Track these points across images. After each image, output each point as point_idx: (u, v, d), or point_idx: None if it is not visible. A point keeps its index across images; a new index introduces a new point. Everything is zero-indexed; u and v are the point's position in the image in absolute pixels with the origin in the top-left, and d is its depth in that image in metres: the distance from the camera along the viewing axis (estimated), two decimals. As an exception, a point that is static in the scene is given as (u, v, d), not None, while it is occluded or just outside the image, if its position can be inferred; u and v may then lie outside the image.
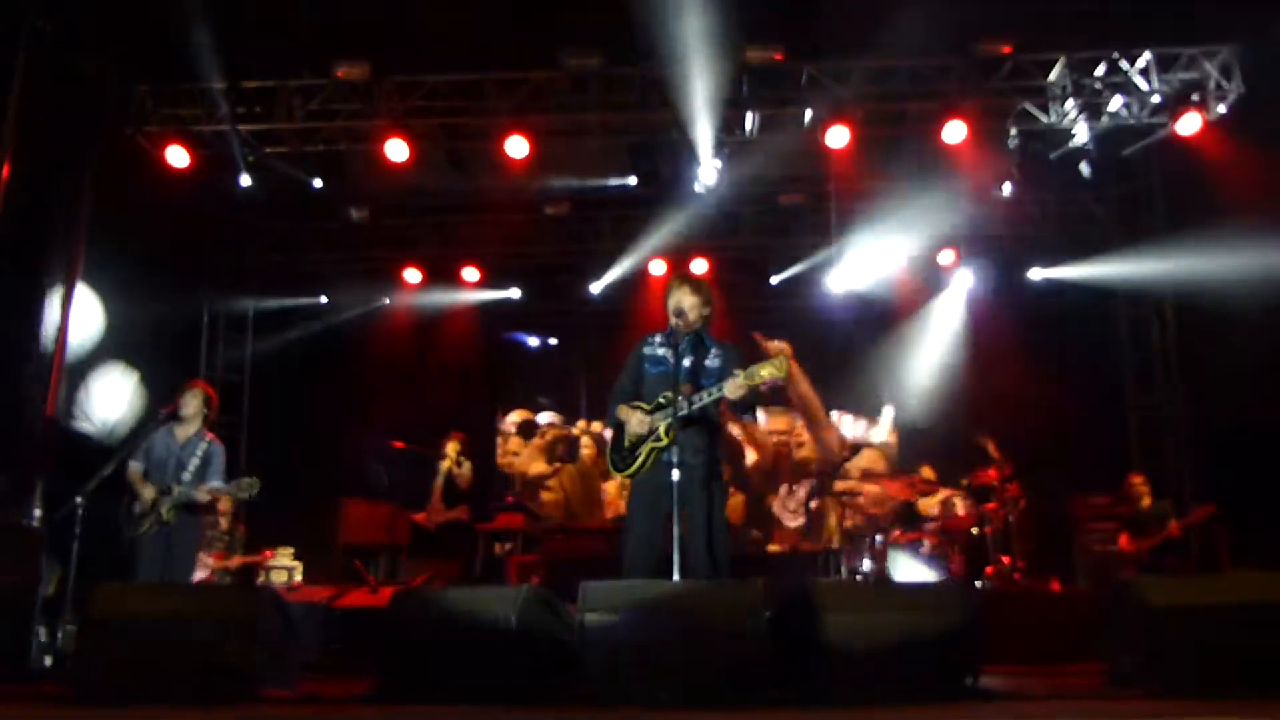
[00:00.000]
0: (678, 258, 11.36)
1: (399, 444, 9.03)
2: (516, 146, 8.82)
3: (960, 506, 8.78)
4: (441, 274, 11.69)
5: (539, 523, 9.44)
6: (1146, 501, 8.53)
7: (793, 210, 11.16)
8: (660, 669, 3.35)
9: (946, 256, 11.35)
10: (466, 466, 9.22)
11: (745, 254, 11.71)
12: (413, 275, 11.61)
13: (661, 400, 4.73)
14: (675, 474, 4.33)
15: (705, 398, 4.65)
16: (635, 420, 4.76)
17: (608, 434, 5.24)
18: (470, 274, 11.63)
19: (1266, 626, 3.46)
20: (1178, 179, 9.76)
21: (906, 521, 9.07)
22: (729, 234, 11.50)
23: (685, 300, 4.90)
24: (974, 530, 8.53)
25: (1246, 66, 8.64)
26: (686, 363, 4.79)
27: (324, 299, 11.81)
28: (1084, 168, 9.62)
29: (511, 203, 10.85)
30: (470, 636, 3.62)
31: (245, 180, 9.37)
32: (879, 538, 8.77)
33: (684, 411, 4.57)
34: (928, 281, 11.58)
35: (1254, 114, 8.62)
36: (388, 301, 12.05)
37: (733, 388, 4.53)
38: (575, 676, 3.50)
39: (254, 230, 11.37)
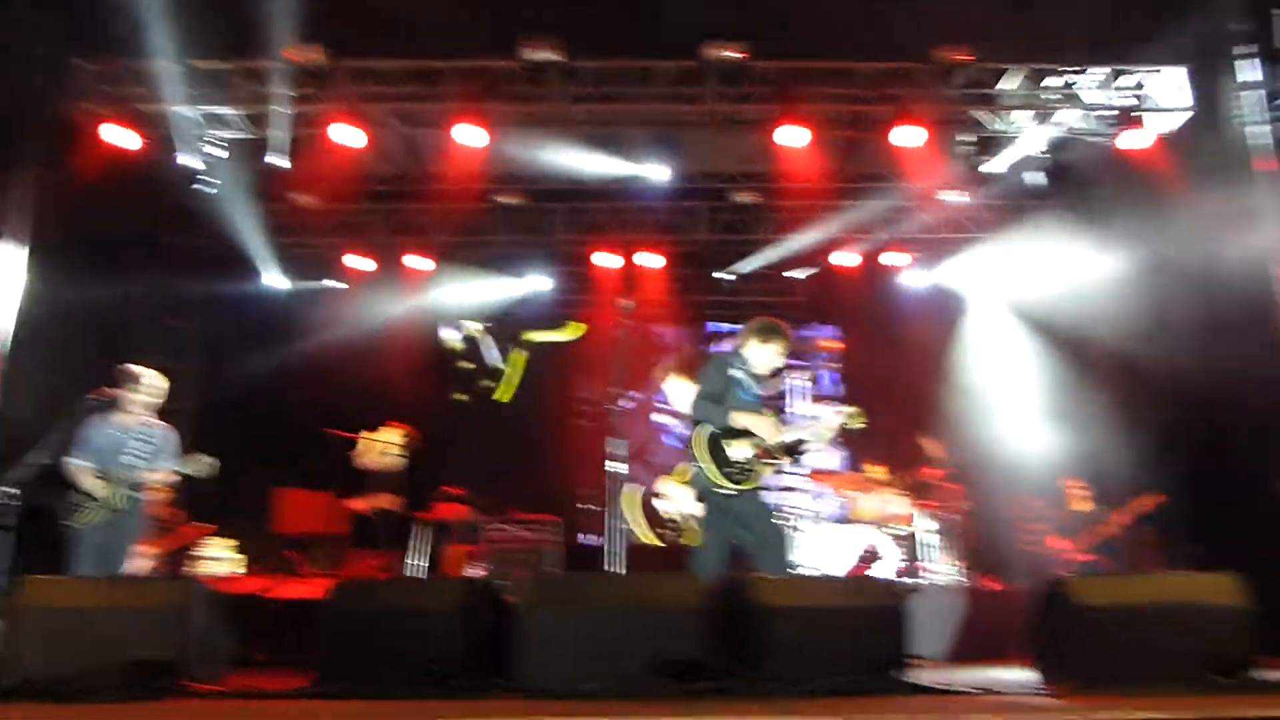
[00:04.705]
0: (631, 251, 11.40)
1: (335, 431, 8.94)
2: (470, 136, 8.74)
3: (902, 504, 8.89)
4: (392, 262, 11.58)
5: (482, 513, 9.38)
6: (1082, 505, 8.72)
7: (747, 207, 11.23)
8: (597, 660, 3.35)
9: (895, 258, 11.56)
10: (387, 456, 9.17)
11: (698, 249, 11.75)
12: (362, 262, 11.47)
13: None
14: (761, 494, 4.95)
15: (806, 436, 5.01)
16: (767, 428, 4.89)
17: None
18: (421, 263, 11.53)
19: (1190, 625, 3.56)
20: (1123, 192, 9.95)
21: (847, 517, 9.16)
22: (684, 229, 11.54)
23: (778, 358, 5.18)
24: (914, 528, 8.65)
25: (1193, 88, 8.87)
26: (762, 396, 5.16)
27: (270, 283, 11.60)
28: (1033, 176, 9.78)
29: (465, 192, 10.77)
30: (409, 628, 3.59)
31: (193, 162, 9.17)
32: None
33: (799, 438, 5.00)
34: (877, 282, 11.74)
35: (1197, 133, 8.85)
36: (336, 286, 11.90)
37: (834, 426, 5.01)
38: (513, 668, 3.49)
39: (200, 214, 11.15)
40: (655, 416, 10.76)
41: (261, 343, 10.98)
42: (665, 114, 9.28)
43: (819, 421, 5.00)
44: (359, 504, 9.26)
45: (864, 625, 3.65)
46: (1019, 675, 4.32)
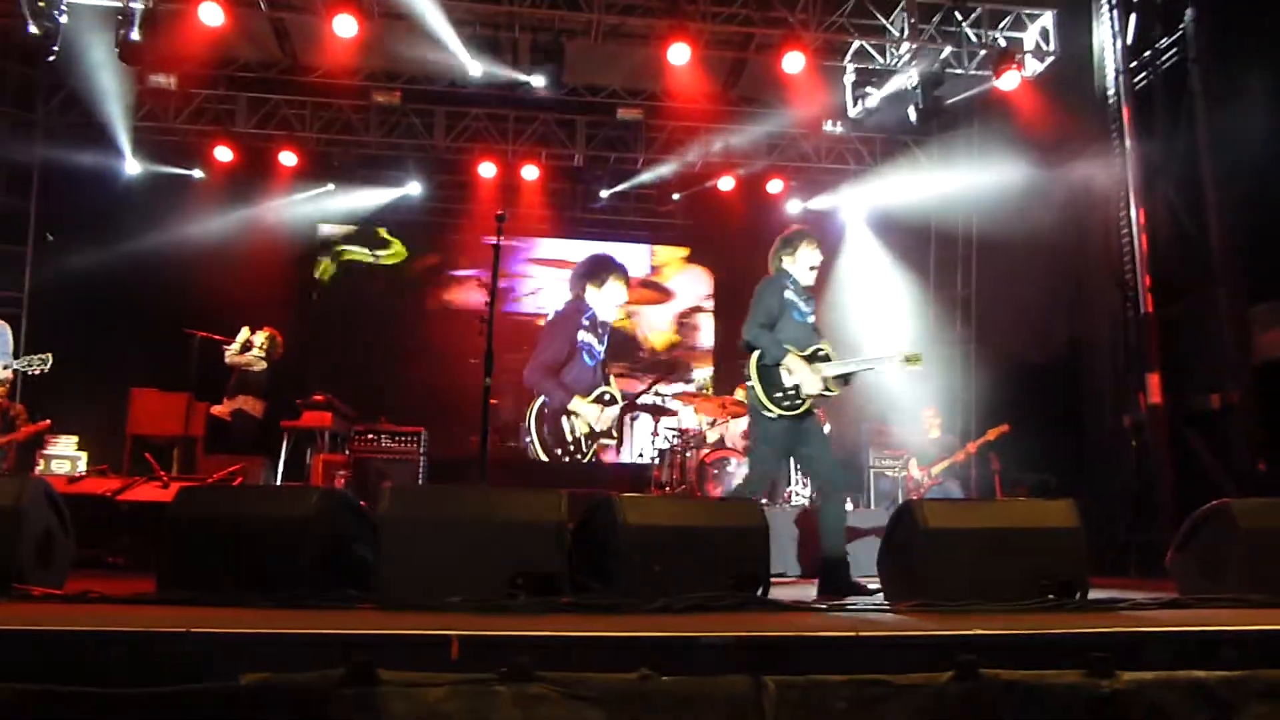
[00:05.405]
0: (509, 161, 11.16)
1: (196, 332, 8.55)
2: (345, 25, 8.29)
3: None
4: (256, 155, 11.00)
5: (348, 421, 9.19)
6: (935, 433, 9.12)
7: (628, 124, 11.08)
8: (457, 573, 3.33)
9: (775, 185, 11.68)
10: (253, 355, 8.86)
11: (577, 164, 11.58)
12: (224, 153, 10.85)
13: (820, 353, 4.99)
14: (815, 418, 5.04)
15: (861, 366, 5.03)
16: (811, 380, 4.89)
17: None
18: (288, 158, 10.99)
19: (1029, 548, 3.78)
20: (994, 131, 10.25)
21: (716, 440, 9.35)
22: (563, 142, 11.33)
23: (818, 259, 5.17)
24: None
25: (1061, 32, 9.15)
26: (812, 318, 5.15)
27: (123, 167, 10.85)
28: (910, 112, 9.95)
29: (338, 86, 10.27)
30: (260, 537, 3.48)
31: (34, 29, 8.40)
32: (688, 454, 9.04)
33: (850, 370, 5.00)
34: (754, 206, 11.86)
35: (1062, 76, 9.17)
36: (198, 175, 11.25)
37: (893, 365, 4.97)
38: (371, 580, 3.44)
39: (45, 87, 10.32)
40: (580, 335, 10.56)
41: (111, 230, 10.31)
42: (549, 20, 9.01)
43: (874, 359, 5.09)
44: (219, 408, 8.93)
45: (725, 544, 3.74)
46: (872, 591, 4.52)
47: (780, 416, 4.90)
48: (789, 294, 5.07)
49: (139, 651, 2.40)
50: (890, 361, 5.02)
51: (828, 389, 4.95)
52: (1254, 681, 2.47)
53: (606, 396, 10.12)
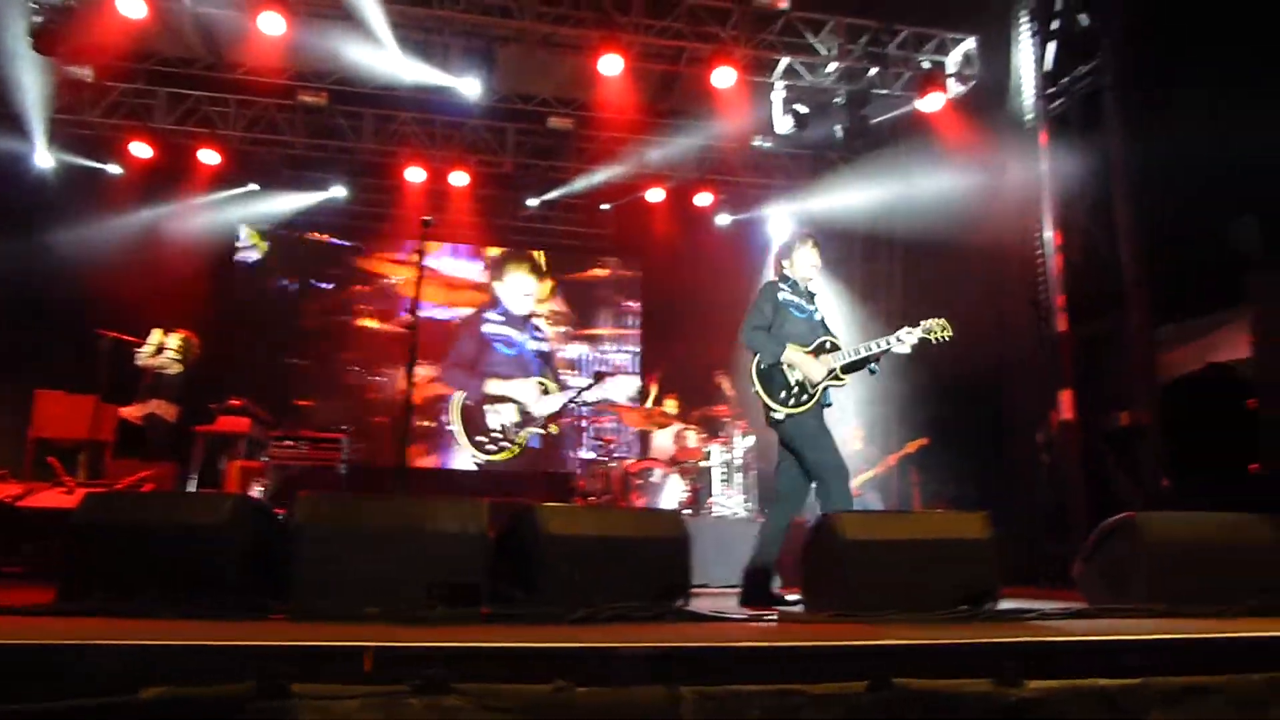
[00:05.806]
0: (437, 167, 11.06)
1: (107, 332, 8.28)
2: (271, 23, 8.14)
3: (693, 439, 9.17)
4: (176, 152, 10.70)
5: (266, 427, 8.97)
6: (858, 445, 9.25)
7: (558, 133, 11.07)
8: (375, 584, 3.27)
9: (703, 198, 11.78)
10: (167, 357, 8.60)
11: (507, 171, 11.52)
12: (142, 149, 10.53)
13: (827, 344, 5.02)
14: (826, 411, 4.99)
15: (878, 347, 4.94)
16: (814, 367, 4.89)
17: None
18: (209, 156, 10.72)
19: (943, 560, 3.85)
20: (917, 151, 10.48)
21: (640, 450, 9.37)
22: (492, 149, 11.26)
23: (817, 259, 5.23)
24: (702, 463, 8.95)
25: (983, 56, 9.42)
26: (819, 315, 5.18)
27: (36, 159, 10.45)
28: (837, 129, 10.14)
29: (263, 85, 10.06)
30: (170, 546, 3.38)
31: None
32: (613, 464, 9.04)
33: (864, 355, 4.96)
34: (682, 218, 11.94)
35: (984, 99, 9.43)
36: (115, 170, 10.91)
37: (909, 339, 4.93)
38: (287, 590, 3.36)
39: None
40: (486, 328, 10.62)
41: (20, 224, 9.91)
42: (481, 26, 8.96)
43: (892, 338, 4.95)
44: (130, 411, 8.64)
45: (647, 555, 3.74)
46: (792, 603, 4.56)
47: (789, 416, 4.87)
48: (784, 295, 5.10)
49: (34, 666, 2.31)
50: (908, 340, 4.95)
51: (837, 377, 4.95)
52: (1150, 688, 2.55)
53: (543, 387, 10.19)
